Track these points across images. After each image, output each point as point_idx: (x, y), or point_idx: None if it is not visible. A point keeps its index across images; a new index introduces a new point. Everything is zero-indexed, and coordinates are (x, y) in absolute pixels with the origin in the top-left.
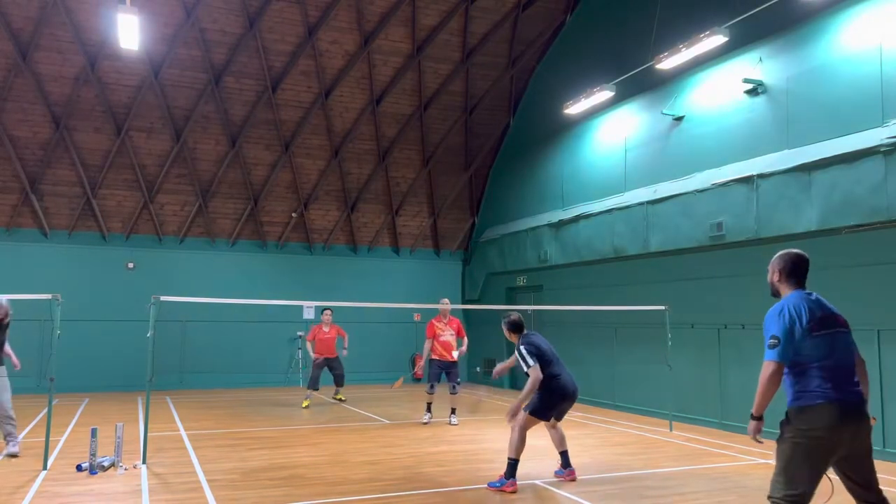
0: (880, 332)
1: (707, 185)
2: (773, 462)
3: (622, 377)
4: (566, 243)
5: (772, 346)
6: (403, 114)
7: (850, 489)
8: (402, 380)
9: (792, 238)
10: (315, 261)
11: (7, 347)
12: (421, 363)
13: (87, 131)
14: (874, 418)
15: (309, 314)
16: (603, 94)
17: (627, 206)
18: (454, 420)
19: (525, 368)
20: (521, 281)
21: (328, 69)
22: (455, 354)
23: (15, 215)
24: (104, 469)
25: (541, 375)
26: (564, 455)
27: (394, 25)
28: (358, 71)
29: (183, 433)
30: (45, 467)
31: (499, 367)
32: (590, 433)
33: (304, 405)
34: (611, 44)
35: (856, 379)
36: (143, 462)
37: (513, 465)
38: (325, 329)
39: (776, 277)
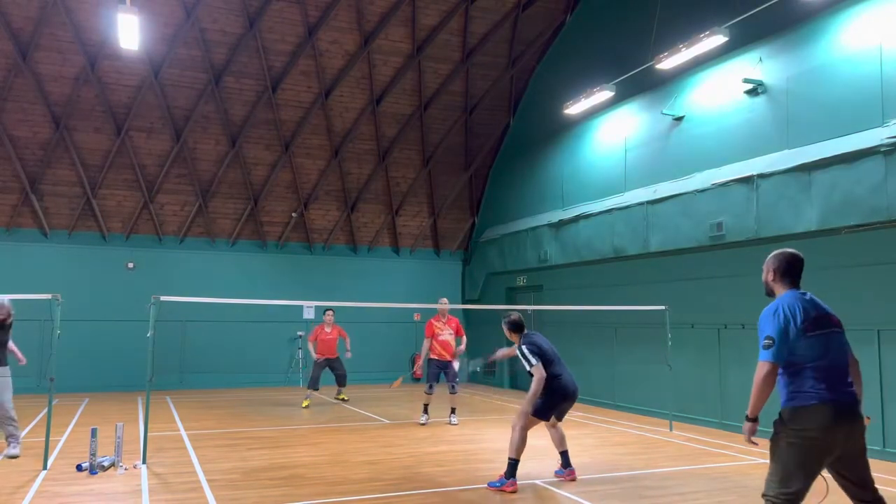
0: (880, 332)
1: (707, 185)
2: None
3: (622, 377)
4: (566, 243)
5: (766, 347)
6: (403, 114)
7: (845, 488)
8: (401, 379)
9: (792, 238)
10: (315, 261)
11: (11, 344)
12: (420, 363)
13: (87, 131)
14: (868, 418)
15: (309, 314)
16: (603, 94)
17: (627, 206)
18: (454, 420)
19: (528, 368)
20: (521, 281)
21: (328, 69)
22: (456, 365)
23: (15, 215)
24: (104, 469)
25: (545, 375)
26: (564, 455)
27: (394, 25)
28: (358, 71)
29: (183, 433)
30: (45, 467)
31: (500, 352)
32: (590, 433)
33: (304, 405)
34: (611, 44)
35: (849, 379)
36: (143, 462)
37: (513, 464)
38: (327, 329)
39: (771, 277)
